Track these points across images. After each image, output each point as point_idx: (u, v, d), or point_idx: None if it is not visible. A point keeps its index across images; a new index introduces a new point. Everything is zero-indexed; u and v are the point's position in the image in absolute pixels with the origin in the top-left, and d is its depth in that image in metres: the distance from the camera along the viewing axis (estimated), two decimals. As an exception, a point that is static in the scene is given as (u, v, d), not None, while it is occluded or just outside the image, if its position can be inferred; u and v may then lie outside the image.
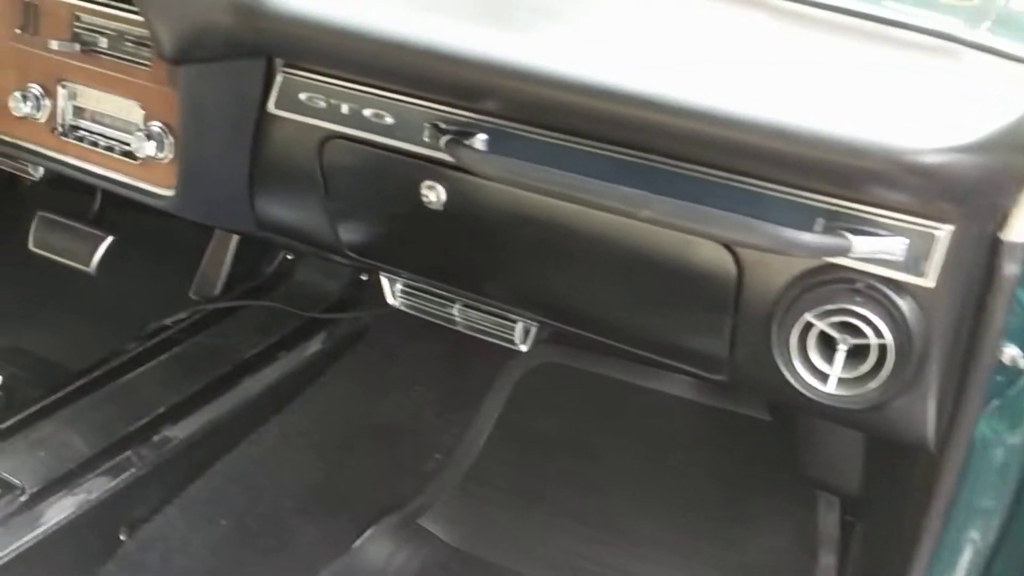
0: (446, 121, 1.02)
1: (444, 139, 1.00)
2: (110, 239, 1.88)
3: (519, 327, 1.19)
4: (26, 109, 1.29)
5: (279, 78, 1.12)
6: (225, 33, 1.03)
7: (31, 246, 1.95)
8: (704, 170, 0.90)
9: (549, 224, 1.02)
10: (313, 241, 1.29)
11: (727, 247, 0.93)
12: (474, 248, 1.11)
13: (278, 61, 1.12)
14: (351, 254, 1.25)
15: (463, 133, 1.00)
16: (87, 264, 1.89)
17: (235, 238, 1.86)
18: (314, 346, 1.68)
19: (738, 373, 1.01)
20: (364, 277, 1.78)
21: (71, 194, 1.95)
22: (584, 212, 0.97)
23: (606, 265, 1.02)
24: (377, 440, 1.65)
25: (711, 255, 0.94)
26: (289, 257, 1.84)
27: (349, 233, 1.21)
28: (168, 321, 1.67)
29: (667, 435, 1.61)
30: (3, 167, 1.55)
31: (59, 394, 1.44)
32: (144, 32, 1.19)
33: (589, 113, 0.87)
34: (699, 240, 0.94)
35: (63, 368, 1.87)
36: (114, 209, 2.04)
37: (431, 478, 1.62)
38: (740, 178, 0.89)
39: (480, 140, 1.00)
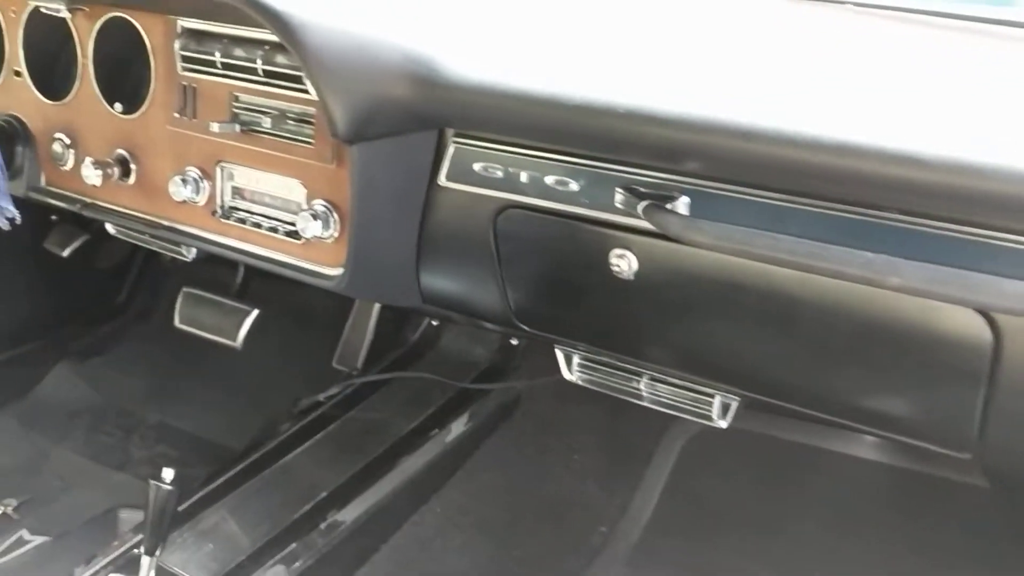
0: (641, 185, 0.94)
1: (642, 205, 0.92)
2: (256, 313, 1.87)
3: (717, 401, 1.09)
4: (186, 193, 1.27)
5: (451, 149, 1.07)
6: (402, 107, 0.98)
7: (177, 323, 1.96)
8: (952, 227, 0.80)
9: (763, 292, 0.92)
10: (480, 313, 1.23)
11: (981, 312, 0.82)
12: (669, 318, 1.03)
13: (449, 132, 1.07)
14: (523, 326, 1.18)
15: (662, 197, 0.92)
16: (233, 339, 1.88)
17: (377, 306, 1.82)
18: (468, 418, 1.62)
19: (990, 451, 0.89)
20: (514, 342, 1.71)
21: (212, 267, 1.96)
22: (805, 277, 0.88)
23: (829, 334, 0.92)
24: (540, 514, 1.56)
25: (960, 321, 0.83)
26: (434, 323, 1.79)
27: (523, 305, 1.14)
28: (321, 397, 1.62)
29: (858, 502, 1.48)
30: (154, 247, 1.54)
31: (220, 480, 1.41)
32: (306, 109, 1.15)
33: (825, 172, 0.78)
34: (944, 305, 0.83)
35: (212, 444, 1.86)
36: (256, 281, 2.04)
37: (598, 553, 1.52)
38: (996, 235, 0.78)
39: (683, 204, 0.92)
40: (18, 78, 1.44)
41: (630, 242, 0.99)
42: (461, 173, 1.07)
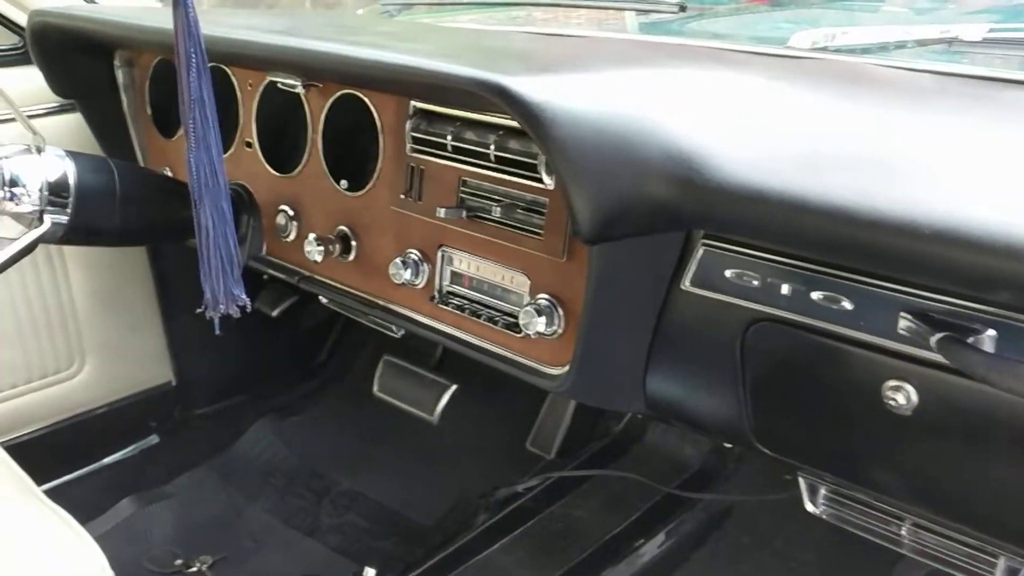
0: (933, 311, 0.81)
1: (936, 337, 0.79)
2: (454, 388, 1.83)
3: (1001, 564, 0.92)
4: (406, 276, 1.23)
5: (699, 252, 0.97)
6: (655, 208, 0.89)
7: (376, 391, 1.95)
8: None
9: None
10: (710, 427, 1.11)
11: None
12: (952, 462, 0.88)
13: (698, 233, 0.97)
14: (762, 448, 1.05)
15: (961, 328, 0.78)
16: (430, 413, 1.85)
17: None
18: (675, 527, 1.49)
19: None
20: (727, 445, 1.58)
21: (413, 336, 1.94)
22: None
23: None
24: (751, 642, 1.41)
25: None
26: (639, 415, 1.68)
27: (766, 425, 1.02)
28: (519, 488, 1.55)
29: None
30: (364, 320, 1.52)
31: (420, 570, 1.34)
32: (538, 198, 1.09)
33: None
34: None
35: (402, 518, 1.81)
36: (454, 354, 2.01)
37: None
38: None
39: (988, 339, 0.78)
40: (248, 149, 1.46)
41: (910, 373, 0.85)
42: (709, 279, 0.97)
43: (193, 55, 0.89)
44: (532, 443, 1.81)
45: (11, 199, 1.22)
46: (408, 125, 1.21)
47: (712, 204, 0.86)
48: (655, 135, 0.88)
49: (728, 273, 0.94)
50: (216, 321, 1.07)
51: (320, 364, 2.20)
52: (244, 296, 1.06)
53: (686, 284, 0.99)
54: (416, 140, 1.21)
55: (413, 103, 1.21)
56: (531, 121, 0.87)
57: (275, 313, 1.97)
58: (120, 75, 1.65)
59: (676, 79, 1.01)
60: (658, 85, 0.97)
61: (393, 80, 1.13)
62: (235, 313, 1.07)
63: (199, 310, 1.08)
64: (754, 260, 0.92)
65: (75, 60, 1.61)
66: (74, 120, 1.68)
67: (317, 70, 1.26)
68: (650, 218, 0.91)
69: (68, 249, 1.75)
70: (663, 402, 1.11)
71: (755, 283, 0.92)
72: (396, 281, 1.24)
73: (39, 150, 1.25)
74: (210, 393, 2.06)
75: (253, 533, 1.82)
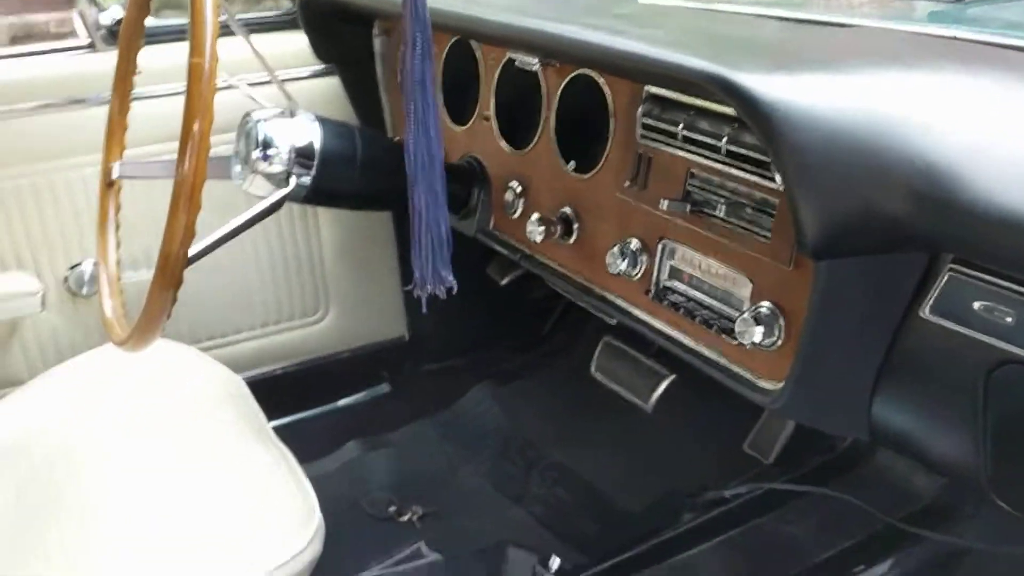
0: None
1: None
2: (672, 378, 1.77)
3: None
4: (622, 266, 1.19)
5: (944, 278, 0.85)
6: (894, 225, 0.80)
7: (593, 371, 1.93)
8: None
9: None
10: (942, 467, 1.00)
11: None
12: None
13: (944, 255, 0.85)
14: (999, 500, 0.92)
15: None
16: (645, 401, 1.80)
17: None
18: (899, 559, 1.36)
19: None
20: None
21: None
22: None
23: None
24: None
25: None
26: (864, 438, 1.55)
27: (1007, 478, 0.89)
28: (727, 494, 1.47)
29: None
30: (581, 304, 1.50)
31: (617, 559, 1.31)
32: (768, 198, 1.01)
33: None
34: None
35: (605, 500, 1.79)
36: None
37: None
38: None
39: None
40: (486, 122, 1.48)
41: None
42: (953, 309, 0.85)
43: (419, 36, 0.89)
44: (750, 445, 1.73)
45: (264, 159, 1.30)
46: (640, 111, 1.17)
47: (960, 225, 0.75)
48: (899, 143, 0.78)
49: (976, 305, 0.83)
50: (424, 300, 1.09)
51: (543, 336, 2.22)
52: (451, 278, 1.07)
53: (925, 312, 0.88)
54: (646, 127, 1.16)
55: (647, 88, 1.16)
56: (759, 120, 0.80)
57: (504, 282, 2.01)
58: (377, 44, 1.72)
59: (938, 81, 0.89)
60: (913, 88, 0.86)
61: (622, 67, 1.09)
62: (441, 294, 1.09)
63: (407, 288, 1.10)
64: (1010, 294, 0.80)
65: (338, 27, 1.69)
66: (327, 85, 1.78)
67: (548, 51, 1.24)
68: (886, 236, 0.81)
69: (320, 207, 1.87)
70: (889, 432, 1.01)
71: (1008, 320, 0.80)
72: (611, 271, 1.20)
73: (292, 114, 1.32)
74: (439, 350, 2.14)
75: (464, 492, 1.87)
